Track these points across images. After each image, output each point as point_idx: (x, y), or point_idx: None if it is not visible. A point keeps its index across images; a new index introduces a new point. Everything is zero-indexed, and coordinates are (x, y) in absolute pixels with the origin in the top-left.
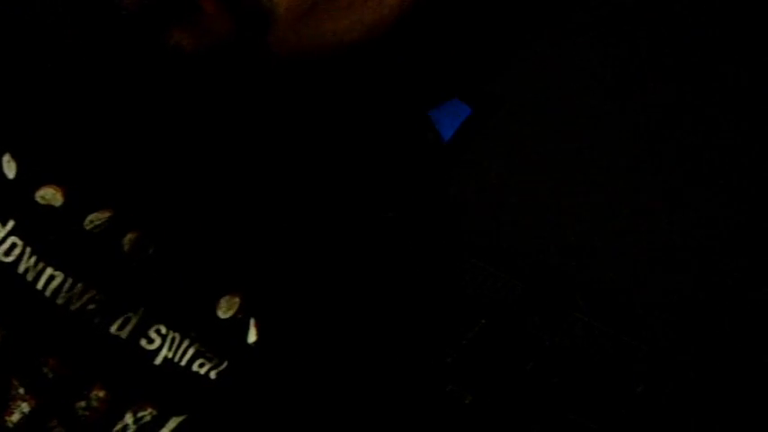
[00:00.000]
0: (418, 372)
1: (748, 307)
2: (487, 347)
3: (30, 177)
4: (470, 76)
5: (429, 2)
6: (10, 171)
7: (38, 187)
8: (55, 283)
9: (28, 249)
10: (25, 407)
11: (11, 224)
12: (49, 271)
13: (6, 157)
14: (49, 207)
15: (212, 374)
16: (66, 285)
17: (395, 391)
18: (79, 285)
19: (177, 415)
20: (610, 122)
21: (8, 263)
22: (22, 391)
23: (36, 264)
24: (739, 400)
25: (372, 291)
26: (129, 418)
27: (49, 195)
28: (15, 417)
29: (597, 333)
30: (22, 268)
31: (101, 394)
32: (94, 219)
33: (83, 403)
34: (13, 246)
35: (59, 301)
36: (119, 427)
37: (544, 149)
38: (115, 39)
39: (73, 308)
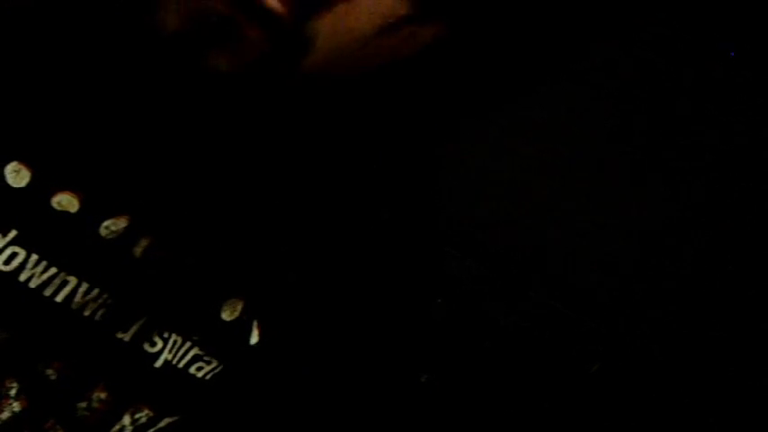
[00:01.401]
0: (405, 367)
1: (706, 287)
2: (443, 327)
3: (46, 183)
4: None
5: (450, 39)
6: (19, 179)
7: (54, 193)
8: (68, 289)
9: (34, 257)
10: (16, 406)
11: (12, 234)
12: (61, 276)
13: (13, 165)
14: (65, 213)
15: (207, 377)
16: (81, 290)
17: (389, 391)
18: (95, 291)
19: (171, 416)
20: (571, 108)
21: (7, 272)
22: (13, 392)
23: (46, 269)
24: (696, 380)
25: (372, 292)
26: (126, 420)
27: (66, 201)
28: (5, 415)
29: (552, 313)
30: (23, 277)
31: (102, 396)
32: (110, 225)
33: (84, 404)
34: (14, 255)
35: (74, 306)
36: (117, 427)
37: (500, 132)
38: (150, 57)
39: (87, 313)
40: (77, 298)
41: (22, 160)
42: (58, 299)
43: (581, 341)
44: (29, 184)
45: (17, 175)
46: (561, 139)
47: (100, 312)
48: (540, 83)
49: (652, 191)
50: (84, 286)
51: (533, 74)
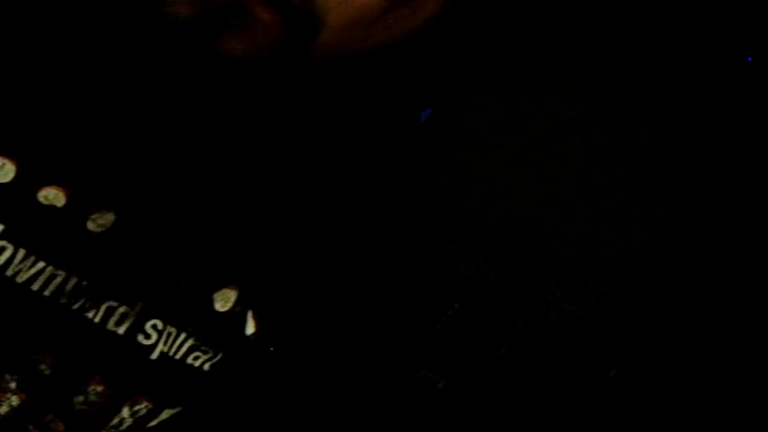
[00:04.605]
0: (402, 360)
1: (722, 292)
2: (460, 332)
3: (32, 178)
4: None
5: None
6: (4, 174)
7: (40, 188)
8: (56, 282)
9: (21, 252)
10: (15, 400)
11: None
12: (49, 270)
13: None
14: (52, 207)
15: (206, 366)
16: (70, 285)
17: (384, 381)
18: (84, 284)
19: (171, 407)
20: (582, 106)
21: None
22: (13, 385)
23: (34, 264)
24: (711, 384)
25: (364, 280)
26: (125, 412)
27: (52, 196)
28: (3, 409)
29: (570, 317)
30: (10, 271)
31: (99, 389)
32: (98, 219)
33: (81, 398)
34: (2, 249)
35: (63, 300)
36: (116, 420)
37: (516, 133)
38: (159, 47)
39: (75, 306)
40: (66, 291)
41: (6, 155)
42: (47, 293)
43: (599, 346)
44: (14, 179)
45: (2, 170)
46: (584, 144)
47: (89, 306)
48: (550, 66)
49: (673, 195)
50: (73, 280)
51: (533, 52)
